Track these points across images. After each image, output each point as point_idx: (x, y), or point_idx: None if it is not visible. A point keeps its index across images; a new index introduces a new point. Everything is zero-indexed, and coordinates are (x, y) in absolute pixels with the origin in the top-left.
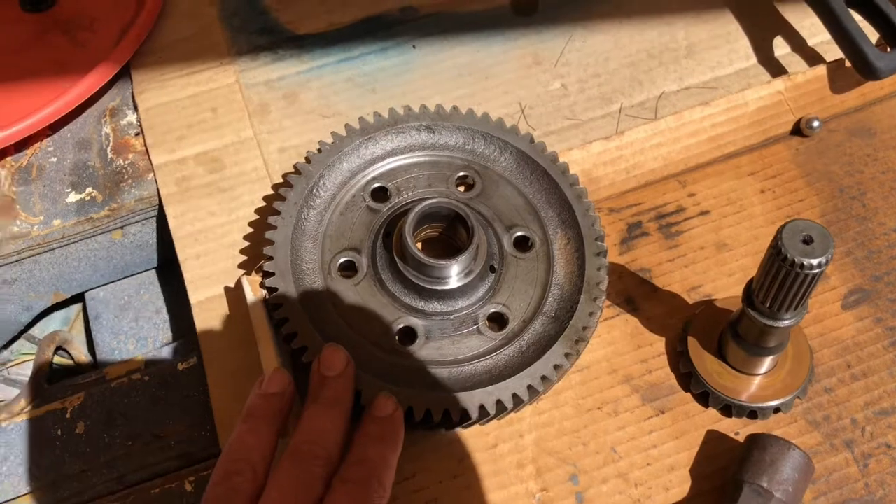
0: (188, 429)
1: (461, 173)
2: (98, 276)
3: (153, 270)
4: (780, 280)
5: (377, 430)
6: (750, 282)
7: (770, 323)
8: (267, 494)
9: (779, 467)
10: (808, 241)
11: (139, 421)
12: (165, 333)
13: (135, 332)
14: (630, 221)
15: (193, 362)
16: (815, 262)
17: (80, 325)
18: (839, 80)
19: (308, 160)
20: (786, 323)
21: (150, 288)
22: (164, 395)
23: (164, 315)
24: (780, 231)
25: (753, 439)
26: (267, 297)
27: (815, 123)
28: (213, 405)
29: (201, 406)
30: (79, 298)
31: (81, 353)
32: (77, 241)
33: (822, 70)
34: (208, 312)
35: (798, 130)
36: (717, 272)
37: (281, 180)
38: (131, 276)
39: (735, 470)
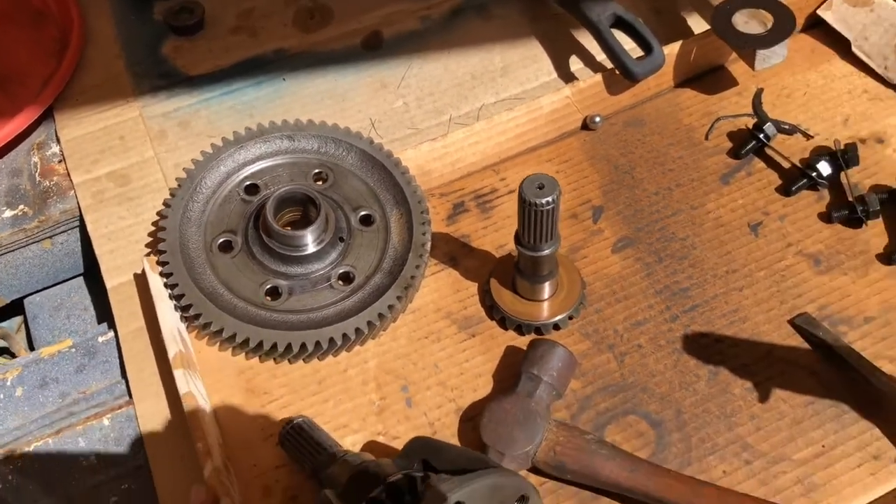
0: (108, 385)
1: (317, 170)
2: (34, 283)
3: (81, 277)
4: (528, 218)
5: None
6: (517, 228)
7: (534, 254)
8: None
9: (547, 360)
10: (541, 187)
11: (69, 383)
12: (93, 326)
13: (67, 327)
14: (455, 202)
15: (111, 336)
16: (545, 200)
17: (24, 333)
18: (613, 84)
19: (194, 165)
20: (546, 252)
21: (79, 291)
22: (87, 362)
23: (92, 312)
24: (522, 183)
25: (531, 343)
26: (161, 270)
27: (598, 119)
28: (125, 362)
29: (117, 367)
30: (20, 306)
31: (22, 349)
32: (13, 251)
33: (598, 77)
34: (121, 294)
35: (585, 126)
36: None
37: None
38: (63, 282)
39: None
